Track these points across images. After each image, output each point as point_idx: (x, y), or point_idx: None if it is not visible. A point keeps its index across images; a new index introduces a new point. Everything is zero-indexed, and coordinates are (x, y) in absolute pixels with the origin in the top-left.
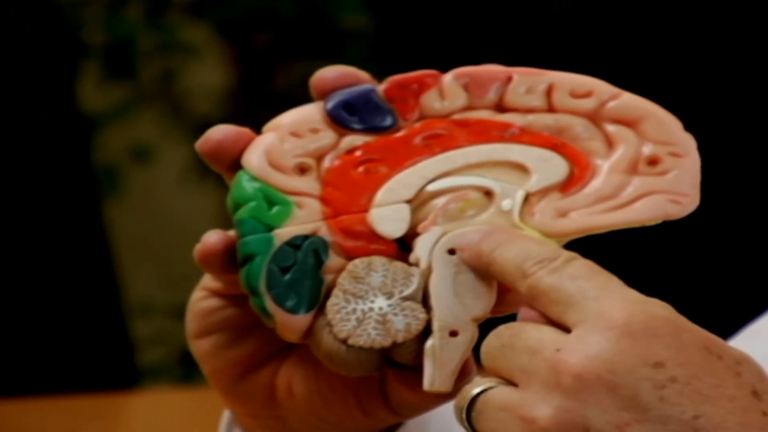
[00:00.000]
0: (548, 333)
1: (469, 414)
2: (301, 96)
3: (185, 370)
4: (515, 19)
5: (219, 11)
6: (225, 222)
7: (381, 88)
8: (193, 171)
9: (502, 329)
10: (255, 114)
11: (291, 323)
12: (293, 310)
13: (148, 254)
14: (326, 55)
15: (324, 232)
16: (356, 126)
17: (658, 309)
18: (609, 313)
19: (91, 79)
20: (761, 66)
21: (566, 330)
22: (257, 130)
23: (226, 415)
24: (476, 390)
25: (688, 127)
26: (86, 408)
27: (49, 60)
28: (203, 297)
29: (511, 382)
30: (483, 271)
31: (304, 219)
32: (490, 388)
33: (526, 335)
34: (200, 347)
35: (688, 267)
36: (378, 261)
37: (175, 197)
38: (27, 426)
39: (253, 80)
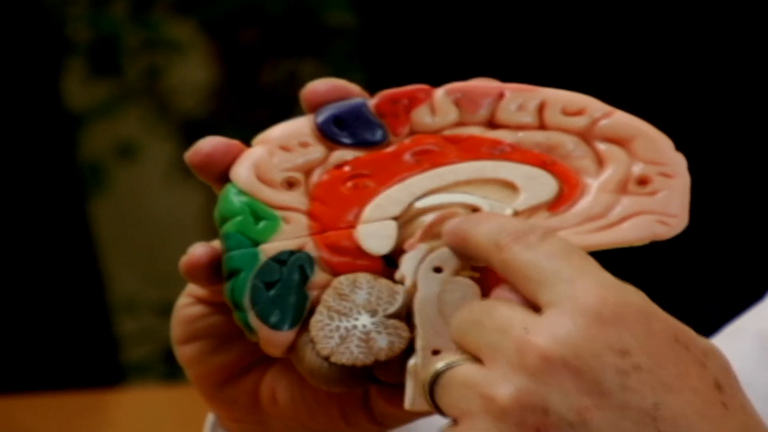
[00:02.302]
0: (519, 312)
1: (432, 388)
2: (286, 93)
3: (170, 367)
4: (500, 16)
5: (204, 8)
6: (210, 219)
7: (372, 102)
8: (178, 168)
9: (475, 305)
10: (240, 111)
11: (274, 339)
12: (277, 326)
13: (133, 251)
14: (312, 52)
15: (310, 247)
16: (346, 140)
17: (631, 295)
18: (581, 297)
19: (76, 76)
20: (752, 85)
21: (537, 308)
22: (243, 127)
23: (210, 418)
24: (441, 364)
25: (680, 146)
26: (71, 405)
27: (34, 57)
28: (189, 303)
29: (477, 359)
30: (460, 251)
31: (291, 234)
32: (456, 364)
33: (497, 313)
34: (185, 353)
35: (673, 264)
36: (363, 278)
37: (160, 194)
38: (12, 423)
39: (238, 77)
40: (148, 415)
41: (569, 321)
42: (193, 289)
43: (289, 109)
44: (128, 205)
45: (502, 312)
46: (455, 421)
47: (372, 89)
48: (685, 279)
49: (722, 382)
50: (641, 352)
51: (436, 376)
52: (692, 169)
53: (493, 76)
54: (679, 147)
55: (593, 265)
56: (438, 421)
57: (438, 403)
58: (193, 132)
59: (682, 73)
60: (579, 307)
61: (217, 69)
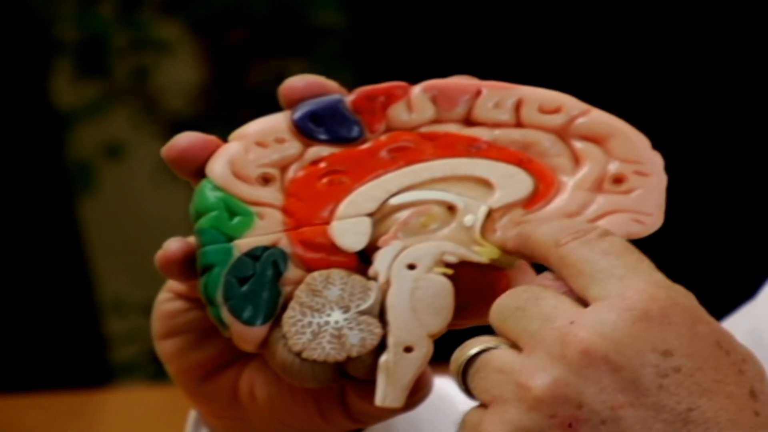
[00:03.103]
0: (565, 303)
1: (465, 371)
2: (274, 93)
3: (158, 367)
4: (487, 17)
5: (192, 8)
6: None
7: (349, 99)
8: (166, 168)
9: (521, 291)
10: (228, 111)
11: (246, 334)
12: (249, 322)
13: (121, 251)
14: (300, 52)
15: (284, 243)
16: (322, 137)
17: (680, 297)
18: (630, 294)
19: (64, 76)
20: (729, 84)
21: (585, 304)
22: (230, 127)
23: (192, 414)
24: (477, 348)
25: (657, 145)
26: (59, 405)
27: (21, 57)
28: (168, 299)
29: (515, 346)
30: (522, 250)
31: (265, 230)
32: (493, 348)
33: (543, 301)
34: (165, 348)
35: (663, 263)
36: (336, 274)
37: (147, 194)
38: None
39: (226, 77)
40: (135, 415)
41: (615, 317)
42: (173, 284)
43: (276, 109)
44: (116, 205)
45: (549, 301)
46: (484, 406)
47: None
48: (675, 278)
49: (757, 390)
50: (683, 354)
51: (471, 359)
52: (683, 167)
53: (480, 76)
54: (668, 147)
55: (647, 265)
56: (415, 418)
57: (469, 386)
58: (181, 132)
59: (668, 72)
60: (627, 304)
61: (205, 69)
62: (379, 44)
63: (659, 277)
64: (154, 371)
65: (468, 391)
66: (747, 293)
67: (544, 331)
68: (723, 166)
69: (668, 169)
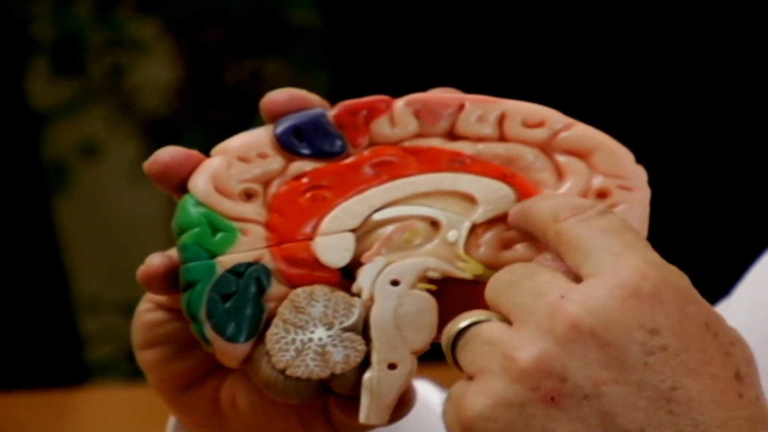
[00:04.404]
0: (559, 279)
1: (455, 343)
2: (250, 93)
3: (134, 367)
4: (463, 18)
5: (168, 7)
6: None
7: (331, 113)
8: (142, 167)
9: (518, 266)
10: (204, 110)
11: (230, 351)
12: (232, 339)
13: (97, 250)
14: (276, 51)
15: (267, 259)
16: (305, 151)
17: (673, 276)
18: (623, 271)
19: (40, 75)
20: (710, 98)
21: (580, 281)
22: (206, 126)
23: (171, 421)
24: (468, 321)
25: (641, 159)
26: (35, 404)
27: None
28: (149, 309)
29: (507, 320)
30: (520, 225)
31: (248, 246)
32: (485, 320)
33: (538, 277)
34: (145, 358)
35: None
36: (320, 291)
37: (123, 193)
38: None
39: (202, 76)
40: (112, 414)
41: (606, 293)
42: (153, 294)
43: (252, 108)
44: (92, 205)
45: (544, 277)
46: (470, 378)
47: (336, 88)
48: None
49: (742, 373)
50: (670, 334)
51: (461, 332)
52: (662, 169)
53: (454, 76)
54: (650, 158)
55: (643, 244)
56: (396, 425)
57: (458, 359)
58: (157, 131)
59: (649, 86)
60: (619, 281)
61: (181, 68)
62: (354, 44)
63: (654, 256)
64: (130, 370)
65: (456, 363)
66: (721, 292)
67: (535, 305)
68: (701, 166)
69: (651, 180)
